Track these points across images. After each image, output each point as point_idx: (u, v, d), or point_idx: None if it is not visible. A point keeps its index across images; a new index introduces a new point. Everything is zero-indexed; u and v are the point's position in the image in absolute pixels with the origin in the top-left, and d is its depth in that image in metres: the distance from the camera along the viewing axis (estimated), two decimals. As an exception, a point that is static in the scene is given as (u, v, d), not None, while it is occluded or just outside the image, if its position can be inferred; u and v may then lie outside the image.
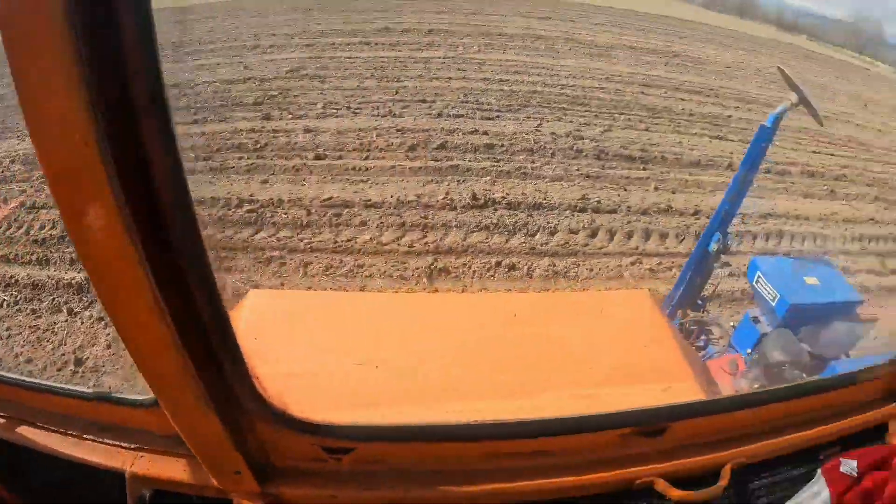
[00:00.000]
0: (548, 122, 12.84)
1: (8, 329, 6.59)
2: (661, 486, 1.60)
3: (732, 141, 13.96)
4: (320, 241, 7.83)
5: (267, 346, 2.11)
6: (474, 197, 9.13)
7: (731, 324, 6.57)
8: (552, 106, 13.87)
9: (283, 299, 2.68)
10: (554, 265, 8.15)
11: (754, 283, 5.81)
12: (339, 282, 7.27)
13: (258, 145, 10.11)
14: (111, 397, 1.58)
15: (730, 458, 1.73)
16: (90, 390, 1.63)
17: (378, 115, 11.76)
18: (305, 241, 7.80)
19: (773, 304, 5.54)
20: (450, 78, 14.51)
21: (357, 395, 2.01)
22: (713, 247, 5.75)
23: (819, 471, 1.78)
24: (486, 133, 11.48)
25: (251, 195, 8.57)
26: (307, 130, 10.75)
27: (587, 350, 2.43)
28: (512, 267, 7.99)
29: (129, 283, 0.95)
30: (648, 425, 1.65)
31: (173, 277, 0.99)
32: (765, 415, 1.87)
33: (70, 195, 0.87)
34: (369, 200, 8.69)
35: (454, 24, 19.62)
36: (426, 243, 8.09)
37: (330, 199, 8.59)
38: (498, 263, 7.99)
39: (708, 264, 5.97)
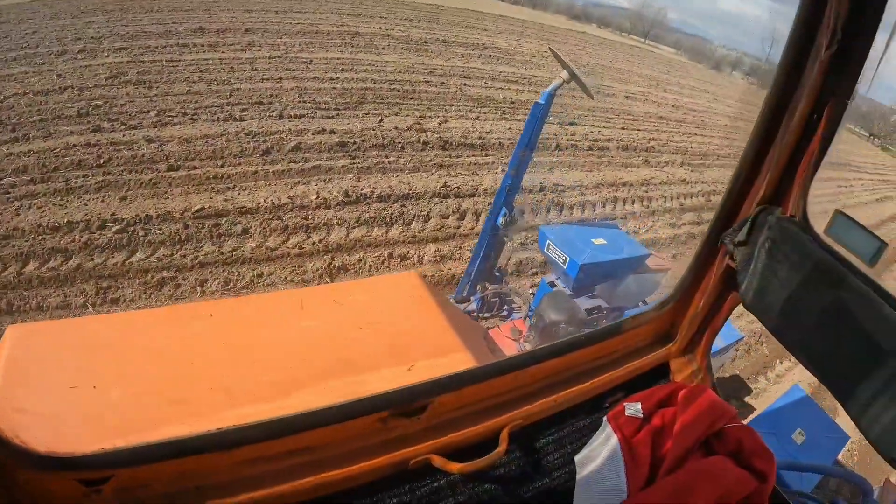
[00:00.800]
0: (387, 117, 13.39)
1: None
2: (438, 461, 1.60)
3: (552, 124, 15.39)
4: (206, 255, 7.68)
5: (31, 383, 2.03)
6: (346, 194, 9.43)
7: (531, 291, 7.33)
8: (387, 101, 14.44)
9: (43, 332, 2.49)
10: (440, 250, 8.77)
11: (545, 251, 6.45)
12: (241, 294, 7.20)
13: (101, 160, 9.48)
14: None
15: (507, 421, 1.75)
16: None
17: (219, 120, 11.50)
18: (190, 256, 7.61)
19: (565, 266, 6.20)
20: (280, 78, 14.50)
21: (120, 421, 1.90)
22: (501, 221, 6.43)
23: (605, 419, 1.86)
24: (333, 132, 11.76)
25: (113, 214, 8.11)
26: (149, 140, 10.24)
27: (355, 338, 2.46)
28: (403, 257, 8.50)
29: None
30: (405, 405, 1.64)
31: None
32: (538, 374, 1.91)
33: None
34: (243, 207, 8.64)
35: (269, 22, 19.36)
36: (313, 243, 8.28)
37: (202, 209, 8.41)
38: (390, 255, 8.44)
39: (499, 238, 6.67)
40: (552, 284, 6.52)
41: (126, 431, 1.79)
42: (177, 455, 1.40)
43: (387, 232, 8.98)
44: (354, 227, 8.83)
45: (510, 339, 5.89)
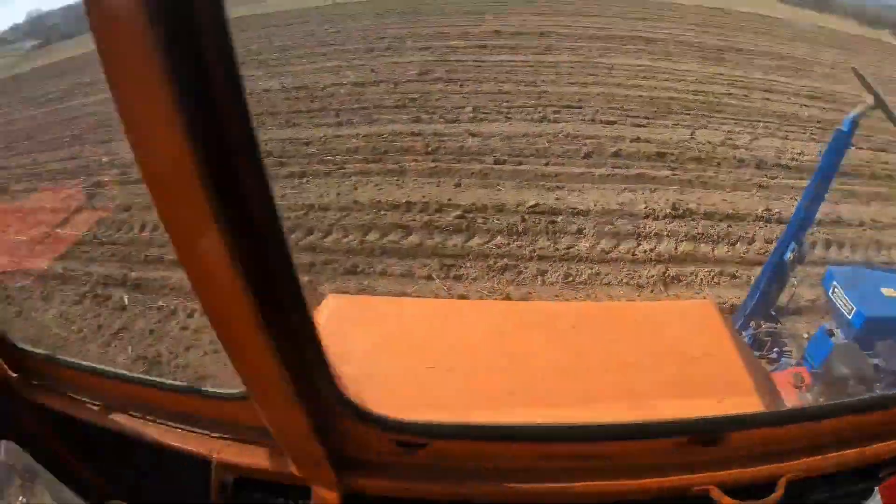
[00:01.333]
0: (697, 129, 12.64)
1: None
2: (716, 494, 1.63)
3: (863, 149, 13.57)
4: (542, 249, 7.80)
5: (344, 348, 2.21)
6: (673, 207, 9.07)
7: (806, 335, 6.40)
8: (693, 112, 13.66)
9: (358, 304, 2.90)
10: (766, 273, 8.14)
11: (830, 294, 5.69)
12: (579, 290, 7.26)
13: (428, 148, 10.06)
14: (202, 391, 1.77)
15: (787, 469, 1.73)
16: (183, 383, 1.86)
17: (534, 121, 11.65)
18: (527, 248, 7.79)
19: (850, 316, 5.40)
20: (585, 83, 14.36)
21: (427, 396, 2.10)
22: (789, 256, 5.68)
23: (876, 488, 1.78)
24: (648, 141, 11.37)
25: (449, 199, 8.48)
26: (472, 135, 10.66)
27: (647, 361, 2.45)
28: (733, 276, 8.00)
29: (235, 306, 1.09)
30: (704, 434, 1.69)
31: (270, 297, 1.11)
32: (825, 428, 1.85)
33: (182, 231, 1.00)
34: (574, 208, 8.65)
35: (560, 26, 19.43)
36: (644, 251, 8.08)
37: (535, 205, 8.59)
38: (721, 272, 7.99)
39: (783, 274, 5.92)
40: (830, 333, 5.76)
41: (434, 407, 1.98)
42: (484, 437, 1.62)
43: (713, 249, 8.47)
44: (682, 241, 8.44)
45: (792, 386, 5.29)
